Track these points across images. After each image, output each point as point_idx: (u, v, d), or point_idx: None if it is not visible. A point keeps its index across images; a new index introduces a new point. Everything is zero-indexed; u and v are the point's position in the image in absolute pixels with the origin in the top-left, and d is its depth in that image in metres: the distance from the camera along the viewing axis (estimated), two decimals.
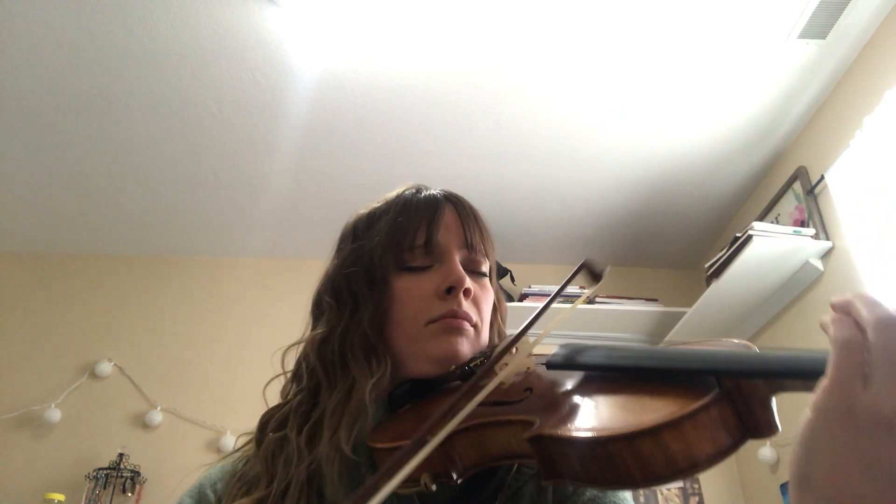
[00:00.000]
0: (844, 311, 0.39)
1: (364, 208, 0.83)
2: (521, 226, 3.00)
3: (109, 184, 2.66)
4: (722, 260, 2.41)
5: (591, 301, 2.87)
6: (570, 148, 2.56)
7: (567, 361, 0.59)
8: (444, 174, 2.69)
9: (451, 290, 0.71)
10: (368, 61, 2.19)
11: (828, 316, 0.40)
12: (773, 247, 2.27)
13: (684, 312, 2.72)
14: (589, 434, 0.45)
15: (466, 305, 0.72)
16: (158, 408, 2.70)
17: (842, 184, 2.22)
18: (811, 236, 2.27)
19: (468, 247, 0.76)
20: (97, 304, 2.93)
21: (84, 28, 2.02)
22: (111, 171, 2.61)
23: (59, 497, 2.39)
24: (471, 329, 0.72)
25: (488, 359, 0.68)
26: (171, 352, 2.86)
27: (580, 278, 0.66)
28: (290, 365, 0.78)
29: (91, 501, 2.43)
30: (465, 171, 2.68)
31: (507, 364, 0.58)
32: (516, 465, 0.67)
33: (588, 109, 2.40)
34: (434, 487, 0.57)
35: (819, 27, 2.10)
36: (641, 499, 2.71)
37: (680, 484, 2.75)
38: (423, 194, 0.80)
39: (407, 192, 0.81)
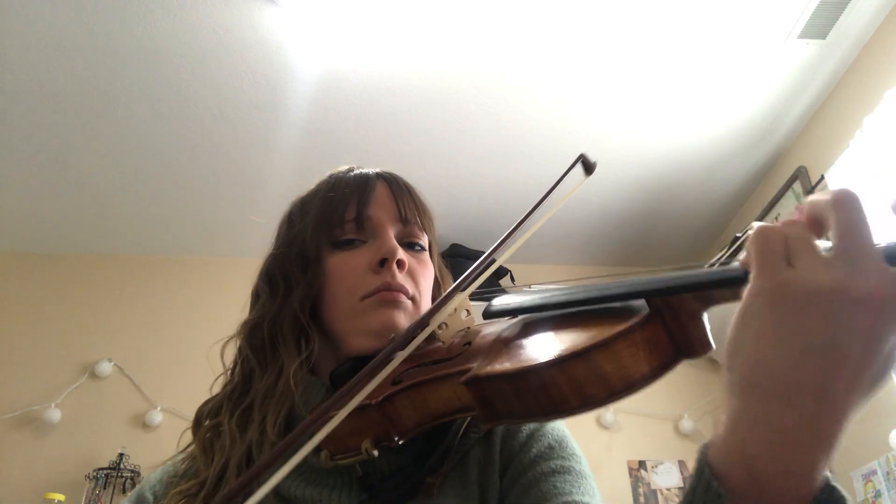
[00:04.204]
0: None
1: (300, 195, 0.83)
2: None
3: (109, 184, 2.66)
4: (722, 260, 2.41)
5: None
6: (570, 148, 2.56)
7: (502, 308, 0.59)
8: (444, 174, 2.69)
9: (384, 262, 0.70)
10: (368, 61, 2.19)
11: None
12: None
13: None
14: (522, 365, 0.46)
15: (401, 278, 0.70)
16: (158, 408, 2.70)
17: (842, 184, 2.22)
18: None
19: (402, 220, 0.74)
20: (97, 304, 2.93)
21: (84, 28, 2.02)
22: (111, 171, 2.61)
23: (59, 497, 2.39)
24: (408, 301, 0.70)
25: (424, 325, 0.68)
26: (171, 352, 2.86)
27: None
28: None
29: (91, 501, 2.43)
30: (465, 171, 2.68)
31: (441, 320, 0.56)
32: (462, 430, 0.66)
33: (588, 110, 2.40)
34: (376, 453, 0.56)
35: (819, 27, 2.10)
36: (642, 499, 2.71)
37: (680, 484, 2.75)
38: (353, 172, 0.80)
39: (338, 172, 0.81)
